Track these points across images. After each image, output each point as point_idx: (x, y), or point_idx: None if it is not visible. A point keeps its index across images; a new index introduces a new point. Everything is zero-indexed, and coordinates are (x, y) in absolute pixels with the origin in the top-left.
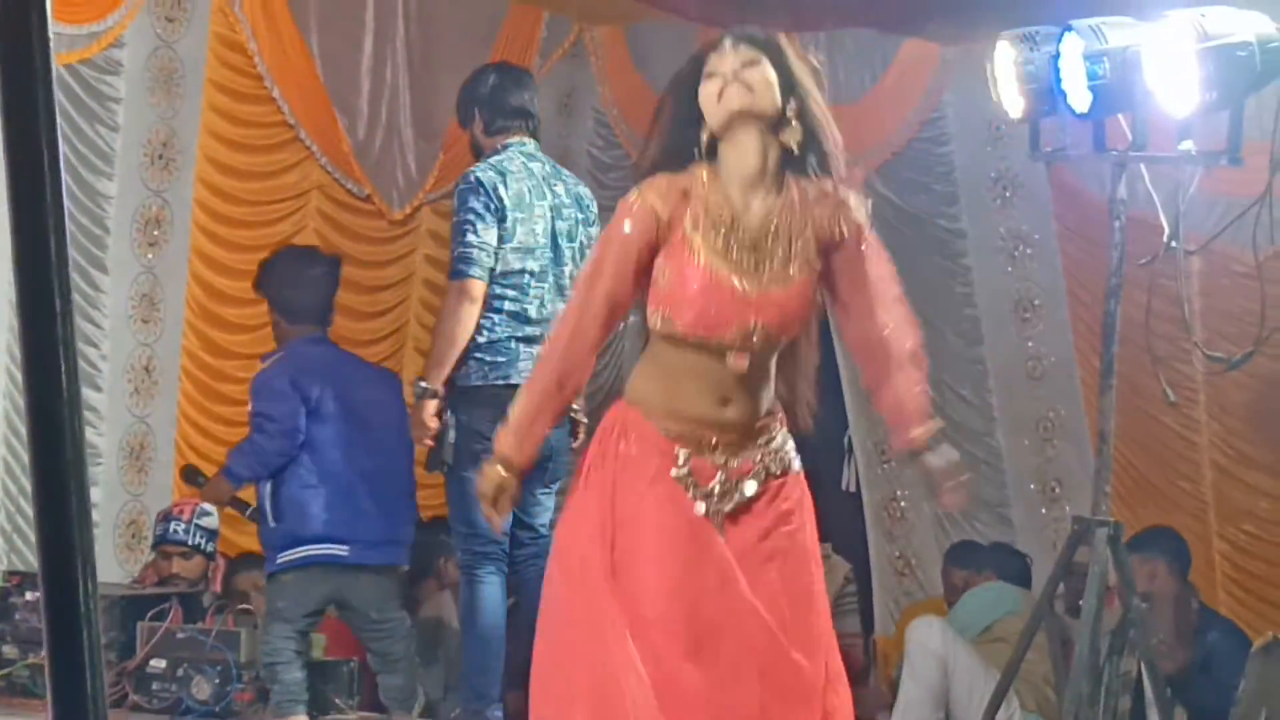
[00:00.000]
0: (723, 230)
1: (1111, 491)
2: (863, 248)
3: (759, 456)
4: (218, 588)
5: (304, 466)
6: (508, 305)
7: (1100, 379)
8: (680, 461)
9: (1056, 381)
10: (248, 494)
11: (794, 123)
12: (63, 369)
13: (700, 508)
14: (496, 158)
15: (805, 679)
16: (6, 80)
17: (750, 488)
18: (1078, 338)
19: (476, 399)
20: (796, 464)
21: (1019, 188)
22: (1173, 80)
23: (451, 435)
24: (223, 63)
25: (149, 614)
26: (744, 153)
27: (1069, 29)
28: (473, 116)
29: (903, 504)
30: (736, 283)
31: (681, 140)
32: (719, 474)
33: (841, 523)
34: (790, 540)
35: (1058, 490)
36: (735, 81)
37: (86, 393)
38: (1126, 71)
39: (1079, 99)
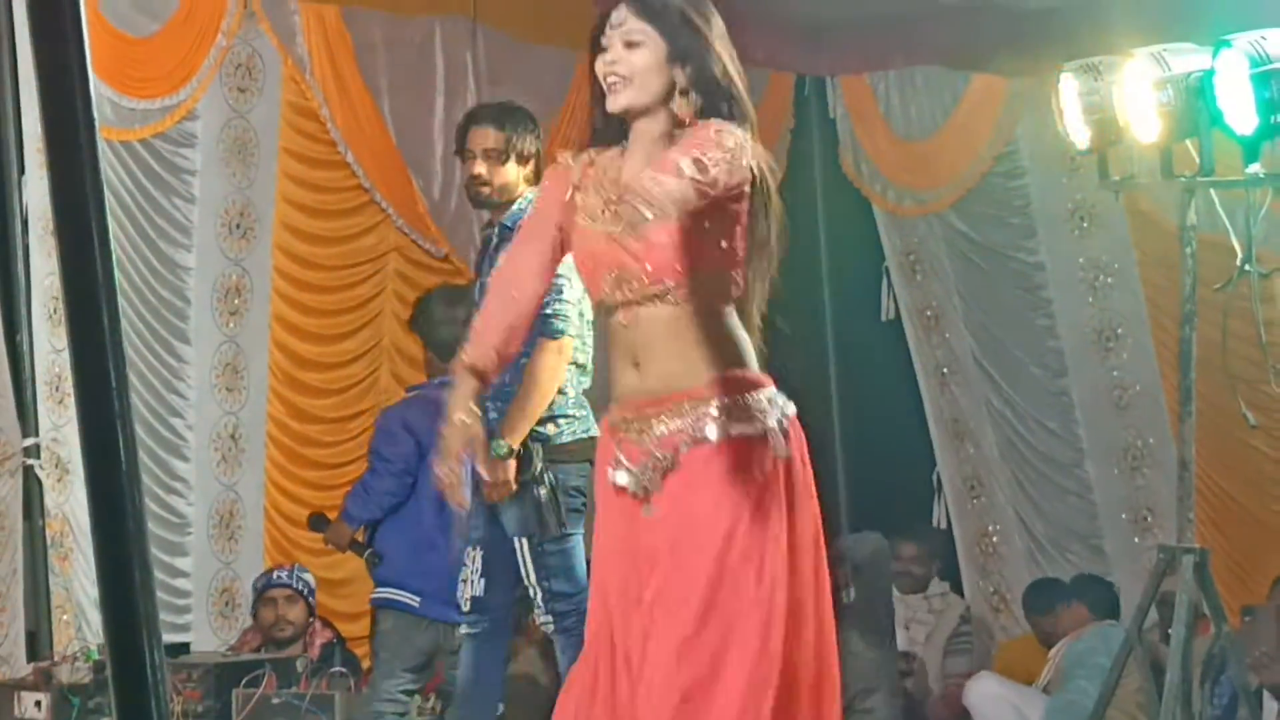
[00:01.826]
0: (603, 192)
1: (1200, 517)
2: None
3: (686, 425)
4: (314, 654)
5: (402, 510)
6: (579, 358)
7: (1180, 406)
8: (615, 451)
9: (1143, 409)
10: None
11: (689, 94)
12: (120, 443)
13: (626, 483)
14: None
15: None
16: (52, 152)
17: (673, 455)
18: (1163, 364)
19: (569, 455)
20: (734, 428)
21: (1096, 217)
22: (1237, 104)
23: (544, 496)
24: (296, 130)
25: (244, 681)
26: (635, 129)
27: (1132, 58)
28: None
29: (994, 539)
30: (603, 232)
31: (602, 118)
32: (640, 454)
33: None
34: (675, 506)
35: (1149, 519)
36: (614, 72)
37: (174, 463)
38: (1191, 98)
39: (1145, 128)
